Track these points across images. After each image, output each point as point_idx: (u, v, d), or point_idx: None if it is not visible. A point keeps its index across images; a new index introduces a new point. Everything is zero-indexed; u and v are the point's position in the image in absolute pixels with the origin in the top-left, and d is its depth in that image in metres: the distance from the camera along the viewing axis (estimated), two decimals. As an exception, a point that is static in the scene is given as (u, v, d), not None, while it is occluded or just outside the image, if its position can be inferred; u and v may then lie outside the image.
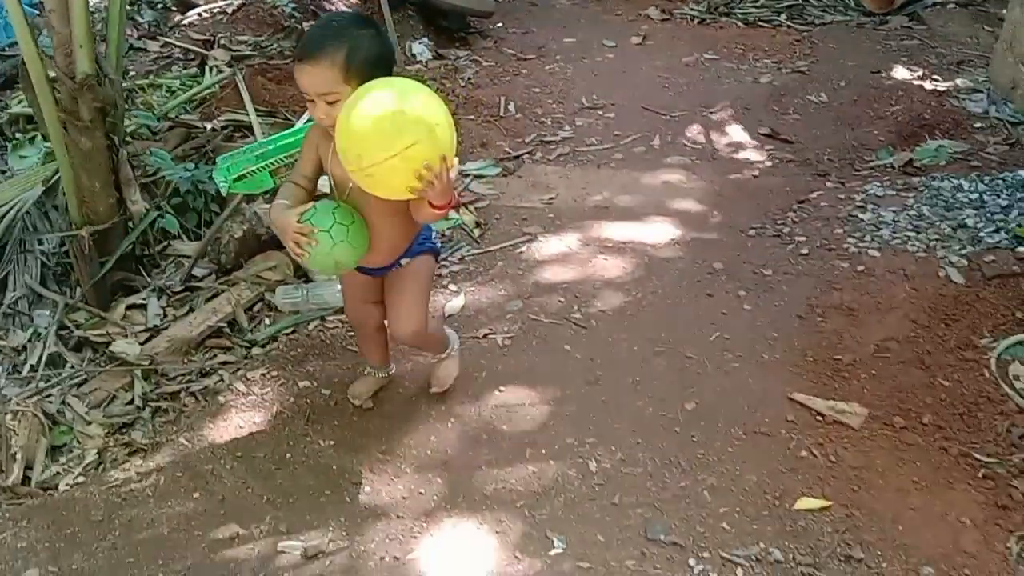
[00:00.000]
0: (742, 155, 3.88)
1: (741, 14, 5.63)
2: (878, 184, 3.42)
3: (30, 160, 4.06)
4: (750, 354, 2.57)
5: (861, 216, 3.21)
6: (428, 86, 4.41)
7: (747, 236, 3.22)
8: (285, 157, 3.17)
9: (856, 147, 3.90)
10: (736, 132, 4.08)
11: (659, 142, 4.02)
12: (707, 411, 2.38)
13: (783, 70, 4.74)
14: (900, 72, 4.50)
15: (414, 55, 5.15)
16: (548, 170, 3.84)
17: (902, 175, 3.50)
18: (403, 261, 2.19)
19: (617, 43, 5.20)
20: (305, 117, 3.69)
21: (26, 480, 2.34)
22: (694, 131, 4.09)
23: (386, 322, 2.34)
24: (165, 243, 3.31)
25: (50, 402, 2.54)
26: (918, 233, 3.02)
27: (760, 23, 5.49)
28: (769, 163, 3.81)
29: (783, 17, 5.53)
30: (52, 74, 2.85)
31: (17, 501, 2.27)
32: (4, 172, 3.93)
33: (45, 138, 4.21)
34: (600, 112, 4.34)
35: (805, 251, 3.08)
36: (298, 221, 1.93)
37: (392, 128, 1.77)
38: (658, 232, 3.26)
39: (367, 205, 2.02)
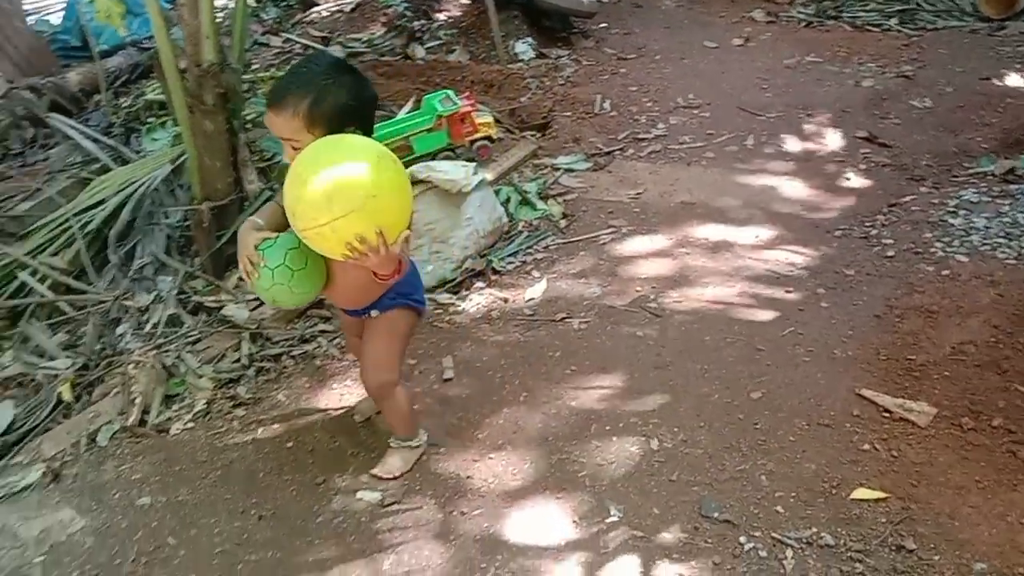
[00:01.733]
0: (836, 157, 3.87)
1: (849, 17, 5.56)
2: (974, 190, 3.36)
3: (160, 142, 4.44)
4: (822, 349, 2.61)
5: (952, 221, 3.18)
6: (528, 84, 4.55)
7: (832, 236, 3.24)
8: (386, 144, 3.40)
9: (956, 153, 3.83)
10: (832, 134, 4.06)
11: (752, 142, 4.05)
12: (772, 401, 2.43)
13: (887, 74, 4.67)
14: (1012, 79, 4.38)
15: (516, 54, 5.32)
16: (638, 166, 3.94)
17: (1000, 182, 3.43)
18: (372, 312, 2.14)
19: (719, 44, 5.23)
20: (407, 108, 3.92)
21: (143, 422, 2.61)
22: (789, 132, 4.10)
23: None
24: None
25: (168, 356, 2.82)
26: (1010, 240, 2.98)
27: (868, 27, 5.41)
28: (863, 166, 3.79)
29: (893, 21, 5.43)
30: (183, 64, 3.15)
31: (135, 440, 2.54)
32: (138, 152, 4.31)
33: (175, 122, 4.61)
34: (695, 111, 4.39)
35: (891, 253, 3.08)
36: (256, 247, 1.89)
37: (323, 197, 1.68)
38: (742, 229, 3.31)
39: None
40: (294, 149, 1.85)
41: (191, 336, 2.97)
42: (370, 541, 2.13)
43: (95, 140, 4.41)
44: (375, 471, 2.30)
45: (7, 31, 5.34)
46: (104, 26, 5.64)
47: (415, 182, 3.15)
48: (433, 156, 3.46)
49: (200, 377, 2.78)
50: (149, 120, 4.61)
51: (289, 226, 1.83)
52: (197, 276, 3.34)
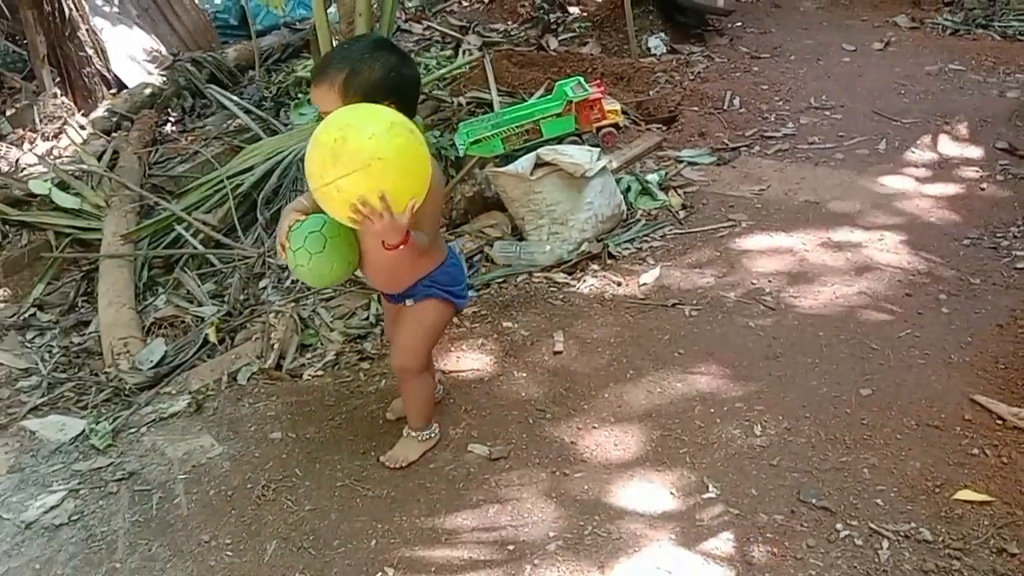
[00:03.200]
0: (972, 166, 3.76)
1: (1000, 27, 5.34)
2: (1120, 208, 3.22)
3: (307, 117, 4.75)
4: (938, 353, 2.59)
5: (1092, 238, 3.06)
6: (658, 78, 4.60)
7: (961, 245, 3.17)
8: (516, 127, 3.55)
9: (1106, 169, 3.66)
10: (970, 143, 3.95)
11: (885, 147, 3.99)
12: (881, 399, 2.44)
13: (1035, 86, 4.47)
14: None
15: (648, 49, 5.38)
16: (763, 163, 3.94)
17: None
18: (407, 302, 2.18)
19: (857, 48, 5.13)
20: (539, 94, 4.05)
21: (279, 367, 2.85)
22: (925, 139, 4.01)
23: None
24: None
25: (304, 310, 3.06)
26: None
27: (1020, 37, 5.18)
28: (1000, 177, 3.67)
29: (1050, 31, 5.18)
30: (336, 40, 3.38)
31: (270, 381, 2.78)
32: (287, 125, 4.62)
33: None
34: (827, 113, 4.35)
35: (1021, 266, 3.00)
36: (289, 227, 1.99)
37: (330, 155, 1.72)
38: (867, 231, 3.28)
39: (373, 240, 1.98)
40: None
41: (325, 294, 3.19)
42: (477, 490, 2.27)
43: (248, 112, 4.76)
44: (383, 458, 2.35)
45: (176, 8, 5.79)
46: (260, 7, 6.03)
47: (541, 164, 3.28)
48: (560, 140, 3.58)
49: (332, 331, 3.00)
50: (298, 96, 4.93)
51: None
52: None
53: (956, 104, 4.31)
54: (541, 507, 2.21)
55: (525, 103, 3.79)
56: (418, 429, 2.38)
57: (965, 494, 2.12)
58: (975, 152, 3.88)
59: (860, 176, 3.75)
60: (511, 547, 2.11)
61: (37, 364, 3.02)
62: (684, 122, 4.33)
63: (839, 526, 2.08)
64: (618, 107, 3.76)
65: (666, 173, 3.87)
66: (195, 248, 3.60)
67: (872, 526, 2.07)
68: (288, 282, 3.31)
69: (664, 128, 4.31)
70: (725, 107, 4.48)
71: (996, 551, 1.97)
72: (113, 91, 5.26)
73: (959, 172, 3.73)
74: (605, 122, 3.67)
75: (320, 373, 2.81)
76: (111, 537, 2.22)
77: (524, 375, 2.71)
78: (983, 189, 3.59)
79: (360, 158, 1.71)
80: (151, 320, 3.20)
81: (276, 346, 2.87)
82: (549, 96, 3.74)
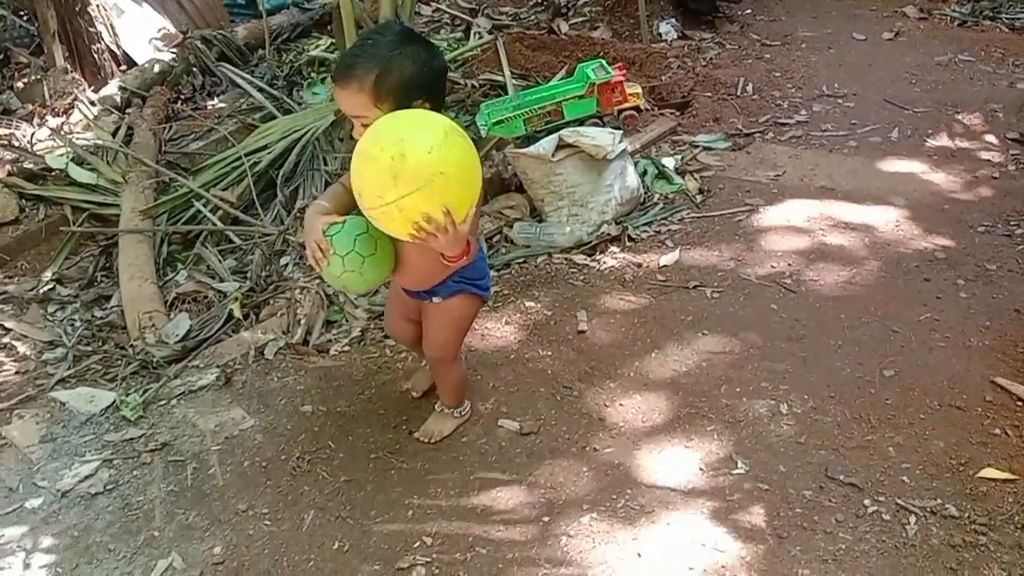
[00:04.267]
0: (984, 156, 3.81)
1: (1007, 18, 5.38)
2: None
3: (320, 96, 4.75)
4: (958, 336, 2.63)
5: (1105, 227, 3.11)
6: (670, 63, 4.62)
7: (976, 232, 3.22)
8: (538, 108, 3.57)
9: (1114, 160, 3.71)
10: (981, 133, 3.99)
11: (897, 135, 4.03)
12: (904, 379, 2.48)
13: (1044, 78, 4.52)
14: None
15: (660, 34, 5.39)
16: (778, 149, 3.97)
17: None
18: (435, 299, 2.11)
19: (867, 37, 5.16)
20: (559, 76, 4.07)
21: (306, 342, 2.87)
22: (937, 128, 4.05)
23: None
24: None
25: (329, 286, 3.07)
26: None
27: (1028, 28, 5.22)
28: (1012, 167, 3.72)
29: (1056, 24, 5.22)
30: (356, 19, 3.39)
31: (298, 356, 2.80)
32: (300, 104, 4.62)
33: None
34: (840, 101, 4.38)
35: (1035, 253, 3.05)
36: (324, 232, 1.86)
37: (388, 175, 1.62)
38: (883, 217, 3.32)
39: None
40: (363, 126, 1.79)
41: (349, 271, 3.21)
42: (510, 463, 2.31)
43: (261, 90, 4.75)
44: (417, 434, 2.38)
45: (186, -15, 5.76)
46: (269, -14, 5.99)
47: (563, 146, 3.31)
48: (581, 122, 3.60)
49: (356, 308, 3.02)
50: (311, 75, 4.92)
51: (355, 209, 1.81)
52: (352, 219, 3.59)
53: (966, 94, 4.35)
54: (573, 480, 2.25)
55: (546, 85, 3.81)
56: (454, 407, 2.40)
57: (989, 472, 2.17)
58: (987, 142, 3.92)
59: (874, 163, 3.79)
60: (545, 519, 2.15)
61: (61, 337, 3.03)
62: (698, 107, 4.35)
63: (867, 502, 2.13)
64: (639, 90, 3.79)
65: (682, 157, 3.90)
66: (214, 224, 3.61)
67: (899, 502, 2.12)
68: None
69: (678, 113, 4.34)
70: (738, 93, 4.50)
71: (1021, 527, 2.03)
72: (123, 68, 5.23)
73: (971, 161, 3.77)
74: (626, 105, 3.70)
75: (347, 349, 2.83)
76: (147, 506, 2.25)
77: (549, 353, 2.74)
78: (995, 178, 3.63)
79: (422, 175, 1.62)
80: (173, 295, 3.21)
81: (303, 322, 2.89)
82: (570, 78, 3.76)
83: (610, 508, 2.16)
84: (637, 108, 3.76)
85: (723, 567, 2.00)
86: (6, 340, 3.01)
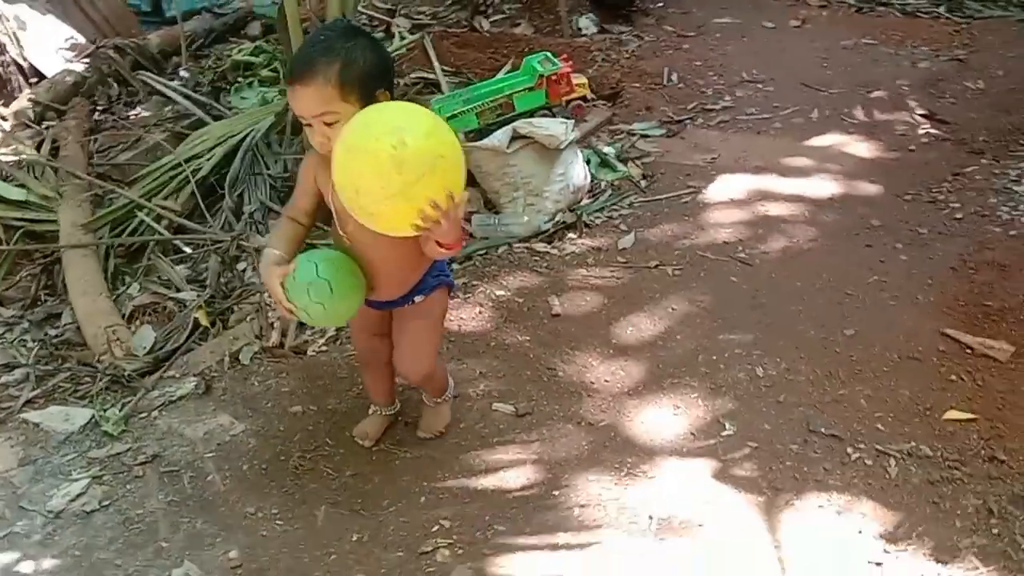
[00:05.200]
0: (899, 131, 4.08)
1: (899, 4, 5.75)
2: (1035, 162, 3.59)
3: (249, 101, 4.67)
4: (905, 295, 2.84)
5: (1016, 189, 3.41)
6: (595, 57, 4.75)
7: (903, 200, 3.46)
8: (489, 101, 3.63)
9: (1012, 131, 4.03)
10: (893, 110, 4.27)
11: (817, 115, 4.27)
12: (864, 337, 2.67)
13: (940, 57, 4.87)
14: (1062, 64, 4.58)
15: (580, 29, 5.53)
16: (709, 134, 4.16)
17: (1059, 156, 3.65)
18: (416, 298, 2.06)
19: (776, 25, 5.43)
20: (506, 69, 4.14)
21: (280, 345, 2.84)
22: (852, 107, 4.31)
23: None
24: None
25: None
26: (1073, 205, 3.20)
27: (919, 13, 5.60)
28: (925, 140, 4.00)
29: (941, 9, 5.62)
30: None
31: (275, 360, 2.78)
32: (230, 110, 4.53)
33: (260, 82, 4.84)
34: (759, 86, 4.61)
35: (959, 216, 3.31)
36: (285, 292, 1.86)
37: (391, 163, 1.59)
38: (817, 190, 3.54)
39: (373, 240, 1.86)
40: (327, 125, 1.76)
41: (312, 272, 3.19)
42: (511, 444, 2.37)
43: (187, 97, 4.64)
44: (420, 433, 2.37)
45: (92, -6, 5.55)
46: (175, -8, 5.83)
47: (516, 137, 3.38)
48: (532, 114, 3.68)
49: (326, 307, 3.00)
50: (237, 80, 4.83)
51: (304, 241, 1.94)
52: (304, 222, 3.56)
53: (874, 75, 4.65)
54: (575, 454, 2.33)
55: (496, 78, 3.87)
56: (444, 393, 2.40)
57: (953, 414, 2.37)
58: (899, 118, 4.21)
59: (800, 142, 4.02)
60: (555, 492, 2.22)
61: (16, 358, 2.90)
62: (629, 98, 4.50)
63: (849, 450, 2.29)
64: (585, 80, 3.90)
65: (622, 146, 4.03)
66: (161, 234, 3.52)
67: (878, 447, 2.29)
68: (270, 263, 3.29)
69: (610, 104, 4.47)
70: (664, 83, 4.67)
71: (988, 459, 2.22)
72: (33, 80, 5.01)
73: (888, 136, 4.04)
74: (574, 95, 3.80)
75: (325, 349, 2.82)
76: (149, 519, 2.20)
77: (527, 338, 2.81)
78: (912, 151, 3.91)
79: (425, 160, 1.61)
80: (130, 308, 3.12)
81: (276, 324, 2.86)
82: (517, 72, 3.83)
83: (615, 476, 2.25)
84: (584, 98, 3.88)
85: (729, 520, 2.11)
86: (-44, 366, 2.87)
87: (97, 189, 3.78)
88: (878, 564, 2.00)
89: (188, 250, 3.49)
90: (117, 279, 3.40)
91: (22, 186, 3.78)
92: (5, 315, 3.24)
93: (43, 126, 4.56)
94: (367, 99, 1.78)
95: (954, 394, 2.44)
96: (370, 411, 2.41)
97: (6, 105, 4.79)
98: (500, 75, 4.05)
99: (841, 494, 2.17)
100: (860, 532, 2.07)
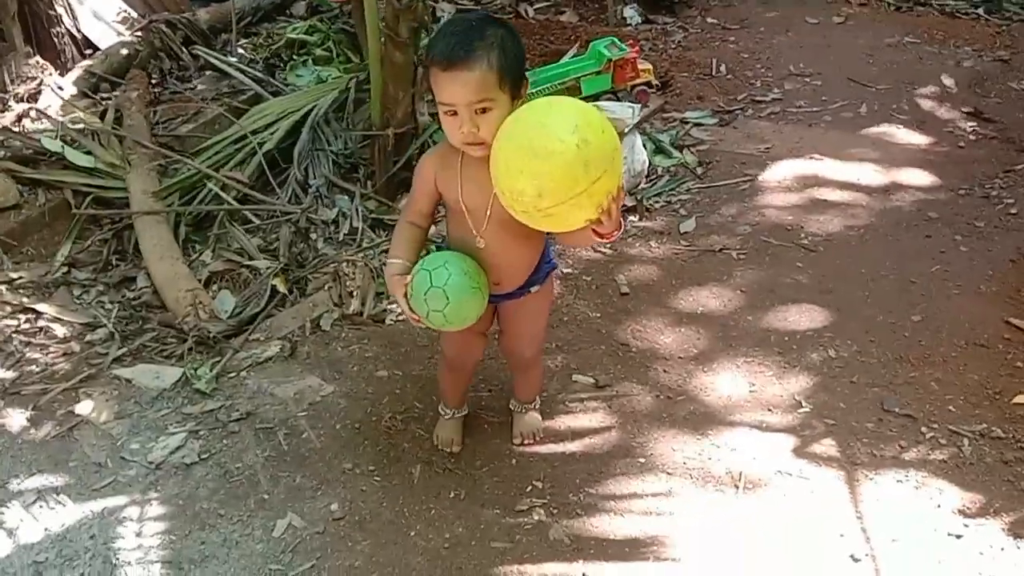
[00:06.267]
0: (947, 128, 4.16)
1: (938, 4, 5.82)
2: (1085, 162, 3.66)
3: (305, 79, 4.74)
4: (968, 285, 2.92)
5: (1069, 186, 3.48)
6: (642, 46, 4.81)
7: (957, 195, 3.54)
8: (558, 83, 3.71)
9: (1059, 131, 4.11)
10: (940, 108, 4.34)
11: (866, 110, 4.34)
12: (931, 323, 2.75)
13: (984, 57, 4.94)
14: (1105, 67, 4.65)
15: (624, 18, 5.59)
16: (761, 124, 4.23)
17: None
18: (533, 288, 2.01)
19: (819, 21, 5.49)
20: (571, 53, 4.20)
21: (359, 313, 2.92)
22: (900, 103, 4.38)
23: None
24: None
25: (371, 260, 3.13)
26: None
27: (957, 14, 5.67)
28: (973, 137, 4.07)
29: (980, 10, 5.69)
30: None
31: (355, 327, 2.85)
32: (287, 86, 4.60)
33: (315, 61, 4.90)
34: (807, 79, 4.68)
35: (1014, 211, 3.38)
36: (409, 304, 1.83)
37: (579, 163, 1.55)
38: (873, 182, 3.61)
39: (512, 239, 1.85)
40: (480, 113, 1.68)
41: (383, 246, 3.27)
42: (595, 413, 2.45)
43: (243, 72, 4.70)
44: (516, 441, 2.34)
45: (144, -32, 5.59)
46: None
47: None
48: (597, 97, 3.75)
49: (400, 279, 3.07)
50: (292, 58, 4.90)
51: (423, 242, 1.90)
52: (370, 198, 3.64)
53: (920, 72, 4.72)
54: (657, 426, 2.41)
55: (563, 62, 3.94)
56: (532, 400, 2.38)
57: (1021, 398, 2.45)
58: (946, 115, 4.28)
59: (851, 135, 4.09)
60: (641, 460, 2.30)
61: (99, 318, 2.98)
62: (679, 87, 4.56)
63: (923, 429, 2.37)
64: (650, 67, 3.96)
65: (676, 133, 4.10)
66: (230, 204, 3.59)
67: (951, 428, 2.37)
68: (341, 235, 3.36)
69: (661, 92, 4.54)
70: (713, 73, 4.74)
71: (1058, 442, 2.30)
72: (88, 52, 5.07)
73: (936, 133, 4.11)
74: (639, 80, 3.87)
75: (402, 319, 2.89)
76: (249, 472, 2.28)
77: (598, 315, 2.89)
78: (961, 147, 3.98)
79: (606, 155, 1.60)
80: (206, 274, 3.19)
81: (356, 293, 2.94)
82: (584, 55, 3.90)
83: (698, 449, 2.33)
84: (649, 83, 3.94)
85: (811, 492, 2.19)
86: (41, 324, 2.94)
87: (166, 159, 3.84)
88: (958, 536, 2.08)
89: (256, 220, 3.56)
90: (187, 247, 3.47)
91: (88, 153, 3.84)
92: (80, 278, 3.30)
93: (99, 97, 4.62)
94: (516, 89, 1.72)
95: (1021, 380, 2.52)
96: (445, 416, 2.34)
97: (62, 75, 4.85)
98: (565, 59, 4.11)
99: (918, 471, 2.25)
100: (939, 506, 2.15)
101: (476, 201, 1.83)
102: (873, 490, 2.20)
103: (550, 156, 1.57)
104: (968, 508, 2.14)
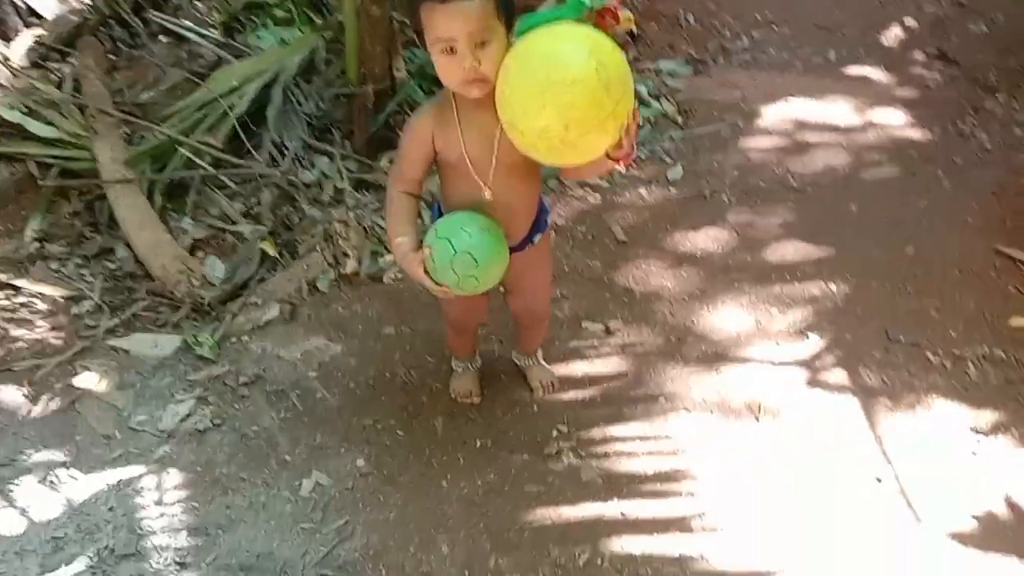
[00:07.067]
0: (915, 70, 4.22)
1: (893, -49, 5.89)
2: (1050, 97, 3.76)
3: (266, 41, 4.58)
4: (955, 217, 2.99)
5: (1038, 120, 3.58)
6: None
7: (932, 133, 3.60)
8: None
9: (1019, 71, 4.21)
10: (906, 50, 4.41)
11: (835, 56, 4.38)
12: (924, 255, 2.81)
13: (942, 2, 5.02)
14: (1059, 7, 4.77)
15: (586, -28, 5.53)
16: (735, 72, 4.24)
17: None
18: (536, 238, 1.94)
19: (780, -31, 5.51)
20: (549, 2, 4.14)
21: (356, 273, 2.86)
22: (867, 47, 4.43)
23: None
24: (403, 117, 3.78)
25: (363, 220, 3.06)
26: (1096, 134, 3.38)
27: (912, -40, 5.74)
28: (940, 78, 4.15)
29: (934, -44, 5.78)
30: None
31: (353, 287, 2.80)
32: (249, 49, 4.46)
33: (275, 22, 4.75)
34: (775, 27, 4.69)
35: (988, 146, 3.46)
36: (430, 277, 1.75)
37: (601, 88, 1.50)
38: (852, 123, 3.66)
39: (510, 185, 1.77)
40: (480, 46, 1.57)
41: (372, 206, 3.20)
42: (608, 358, 2.47)
43: (203, 37, 4.54)
44: (539, 393, 2.32)
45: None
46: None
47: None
48: (577, 47, 3.71)
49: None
50: (252, 20, 4.74)
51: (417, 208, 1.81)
52: (348, 158, 3.56)
53: (885, 17, 4.77)
54: (671, 366, 2.43)
55: (543, 11, 3.87)
56: (536, 351, 2.36)
57: (1016, 321, 2.53)
58: (913, 57, 4.35)
59: (824, 80, 4.13)
60: (661, 399, 2.32)
61: (82, 290, 2.87)
62: (650, 38, 4.55)
63: (928, 355, 2.43)
64: (631, 15, 3.89)
65: (651, 83, 4.09)
66: (206, 169, 3.47)
67: (955, 352, 2.43)
68: (325, 197, 3.29)
69: (632, 43, 4.52)
70: (682, 23, 4.73)
71: (1058, 360, 2.38)
72: (32, 20, 4.83)
73: (905, 75, 4.17)
74: (620, 28, 3.83)
75: (400, 276, 2.85)
76: (266, 435, 2.23)
77: (598, 264, 2.88)
78: (929, 88, 4.05)
79: (623, 75, 1.56)
80: (189, 242, 3.10)
81: (351, 252, 2.88)
82: (562, 4, 3.84)
83: (715, 385, 2.35)
84: (631, 32, 3.90)
85: (829, 420, 2.24)
86: (21, 299, 2.82)
87: (132, 126, 3.69)
88: (973, 453, 2.14)
89: (233, 186, 3.45)
90: (163, 216, 3.35)
91: (50, 124, 3.68)
92: (54, 251, 3.17)
93: (50, 66, 4.42)
94: (510, 22, 1.64)
95: (1015, 304, 2.60)
96: (459, 369, 2.33)
97: (6, 45, 4.62)
98: (543, 8, 4.05)
99: (928, 394, 2.31)
100: (952, 428, 2.21)
101: (480, 150, 1.72)
102: (888, 415, 2.25)
103: (572, 85, 1.49)
104: (980, 427, 2.20)
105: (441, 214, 1.88)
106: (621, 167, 1.69)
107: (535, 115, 1.51)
